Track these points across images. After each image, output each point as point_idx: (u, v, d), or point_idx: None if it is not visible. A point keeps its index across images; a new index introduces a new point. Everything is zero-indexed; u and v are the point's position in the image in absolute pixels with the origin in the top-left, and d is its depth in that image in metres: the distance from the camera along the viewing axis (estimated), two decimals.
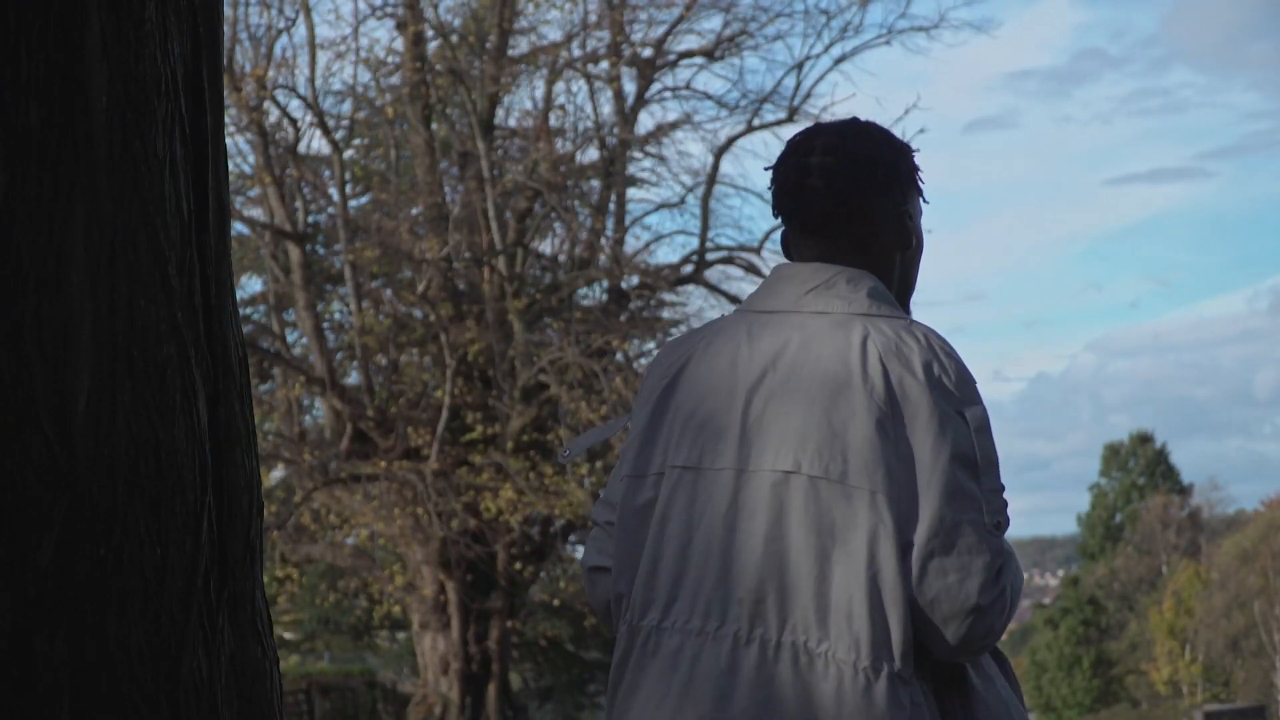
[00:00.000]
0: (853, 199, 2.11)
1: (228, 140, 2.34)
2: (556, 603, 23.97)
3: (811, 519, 1.94)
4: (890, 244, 2.13)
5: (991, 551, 1.92)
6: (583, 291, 20.12)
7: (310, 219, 19.49)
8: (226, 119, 2.68)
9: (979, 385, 2.03)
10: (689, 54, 20.43)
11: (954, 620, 1.90)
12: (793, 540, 1.94)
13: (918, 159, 2.17)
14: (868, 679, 1.89)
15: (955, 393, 1.96)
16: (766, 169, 2.20)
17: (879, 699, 1.89)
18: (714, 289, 20.25)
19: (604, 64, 19.75)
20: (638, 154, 20.54)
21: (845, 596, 1.92)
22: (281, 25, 18.10)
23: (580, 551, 22.71)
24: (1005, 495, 1.98)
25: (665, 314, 20.49)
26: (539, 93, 19.89)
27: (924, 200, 2.19)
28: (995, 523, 1.94)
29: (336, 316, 21.03)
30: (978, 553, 1.91)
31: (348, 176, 19.62)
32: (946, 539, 1.91)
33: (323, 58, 18.70)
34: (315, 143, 20.89)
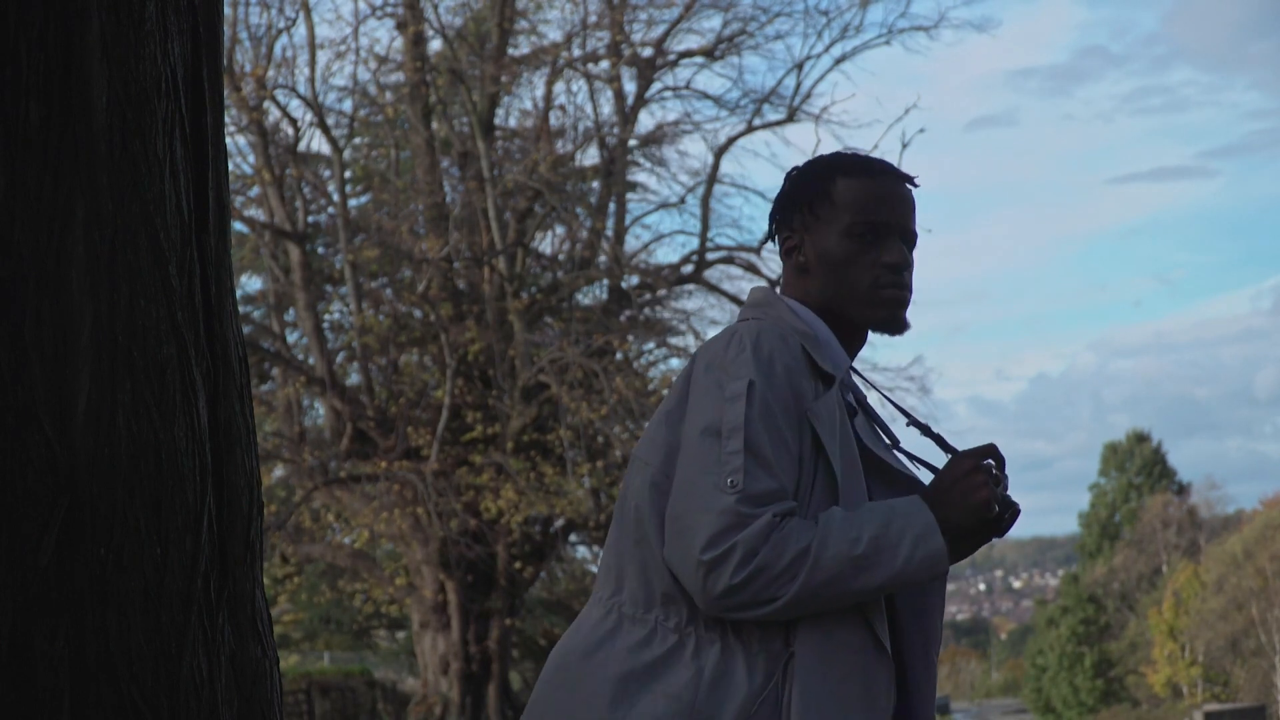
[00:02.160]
0: (774, 239, 2.42)
1: (228, 140, 2.34)
2: (556, 600, 23.99)
3: (622, 499, 2.25)
4: (791, 269, 2.37)
5: (720, 510, 2.07)
6: (583, 291, 20.12)
7: (310, 219, 19.49)
8: (226, 119, 2.68)
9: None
10: (689, 54, 20.44)
11: (687, 576, 2.09)
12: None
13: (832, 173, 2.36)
14: (604, 613, 2.20)
15: (726, 371, 2.16)
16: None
17: (604, 628, 2.17)
18: (714, 289, 20.26)
19: (604, 64, 19.75)
20: (638, 154, 20.56)
21: (615, 556, 2.22)
22: (281, 25, 18.11)
23: (580, 551, 22.78)
24: (750, 475, 2.10)
25: (665, 314, 20.50)
26: (539, 93, 19.92)
27: (812, 214, 2.34)
28: (730, 482, 2.08)
29: (336, 316, 21.04)
30: (704, 510, 2.08)
31: (348, 176, 19.62)
32: (682, 499, 2.11)
33: (323, 57, 18.78)
34: (315, 142, 20.93)
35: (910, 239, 2.33)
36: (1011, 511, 2.19)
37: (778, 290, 2.40)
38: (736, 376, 2.14)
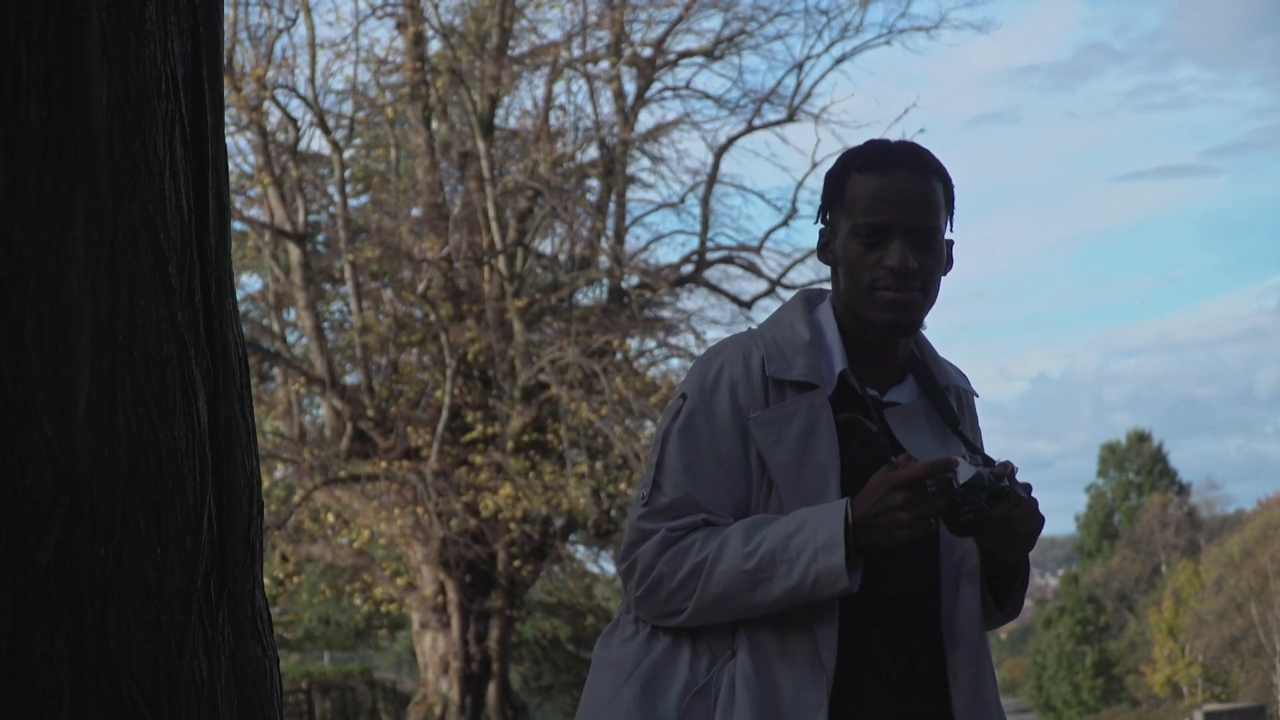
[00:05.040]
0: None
1: (228, 140, 2.33)
2: (550, 598, 24.00)
3: None
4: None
5: (631, 524, 2.24)
6: (583, 291, 20.13)
7: (310, 219, 19.48)
8: (226, 119, 2.68)
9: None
10: (689, 54, 20.45)
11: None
12: None
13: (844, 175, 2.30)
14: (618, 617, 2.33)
15: (685, 383, 2.28)
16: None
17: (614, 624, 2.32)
18: (714, 289, 20.26)
19: (604, 64, 19.76)
20: (638, 153, 20.57)
21: None
22: (281, 25, 18.11)
23: (580, 551, 22.78)
24: (656, 489, 2.22)
25: (665, 314, 20.50)
26: (539, 93, 19.93)
27: (833, 211, 2.30)
28: (642, 496, 2.22)
29: (336, 316, 21.04)
30: (628, 522, 2.26)
31: (348, 176, 19.62)
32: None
33: (323, 58, 18.72)
34: (315, 143, 20.90)
35: (924, 235, 2.22)
36: (969, 522, 2.09)
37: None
38: (681, 391, 2.25)
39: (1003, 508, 2.11)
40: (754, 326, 2.36)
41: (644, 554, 2.18)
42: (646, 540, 2.18)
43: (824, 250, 2.32)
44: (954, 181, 2.30)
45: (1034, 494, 2.18)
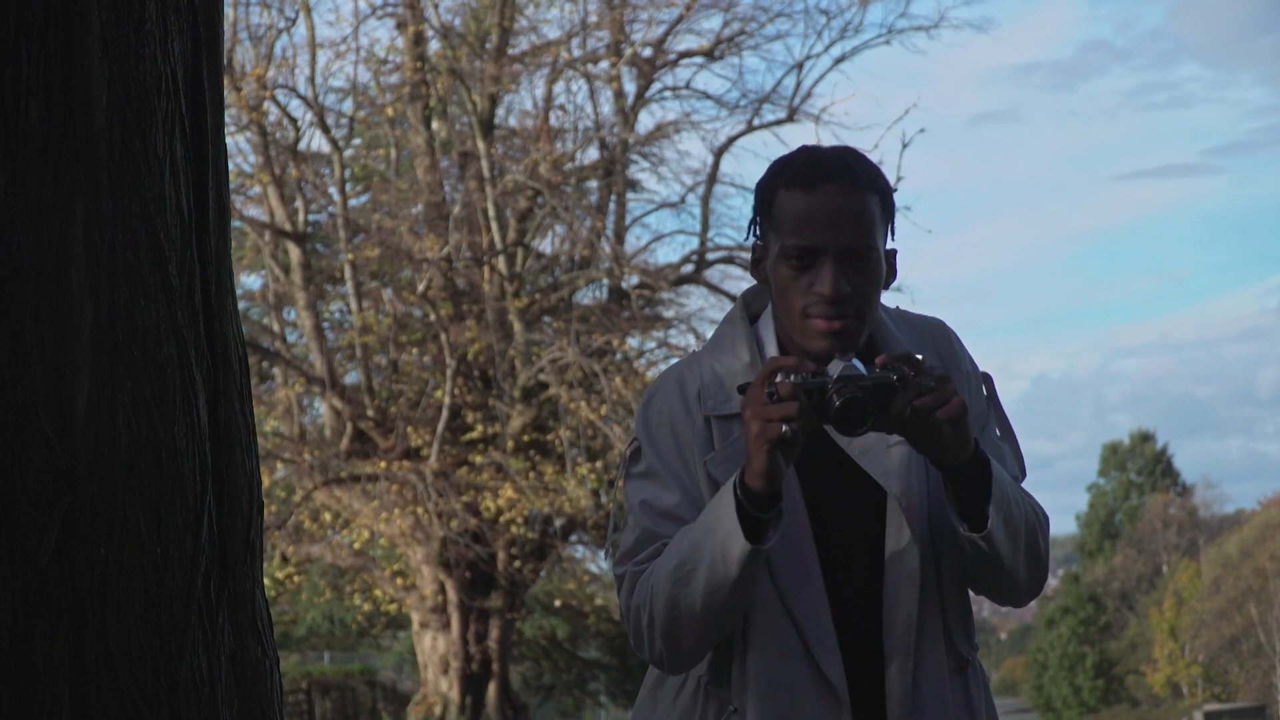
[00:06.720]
0: None
1: (228, 140, 2.33)
2: (558, 602, 24.00)
3: None
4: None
5: (613, 572, 2.24)
6: (583, 291, 20.13)
7: (310, 219, 19.48)
8: (226, 119, 2.68)
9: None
10: (689, 54, 20.45)
11: None
12: None
13: (778, 190, 2.15)
14: None
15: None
16: None
17: None
18: (714, 289, 20.27)
19: (604, 64, 19.76)
20: (637, 155, 20.57)
21: None
22: (281, 25, 18.09)
23: (580, 551, 22.78)
24: (625, 522, 2.21)
25: (665, 314, 20.50)
26: (539, 92, 19.92)
27: (763, 226, 2.18)
28: (614, 543, 2.23)
29: (336, 316, 21.03)
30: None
31: (348, 176, 19.62)
32: None
33: (323, 57, 18.72)
34: (315, 142, 20.89)
35: (857, 256, 2.08)
36: (845, 402, 1.94)
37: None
38: (633, 433, 2.23)
39: (903, 401, 1.96)
40: (697, 349, 2.27)
41: (623, 600, 2.15)
42: (621, 585, 2.16)
43: (756, 266, 2.19)
44: (892, 188, 2.15)
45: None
